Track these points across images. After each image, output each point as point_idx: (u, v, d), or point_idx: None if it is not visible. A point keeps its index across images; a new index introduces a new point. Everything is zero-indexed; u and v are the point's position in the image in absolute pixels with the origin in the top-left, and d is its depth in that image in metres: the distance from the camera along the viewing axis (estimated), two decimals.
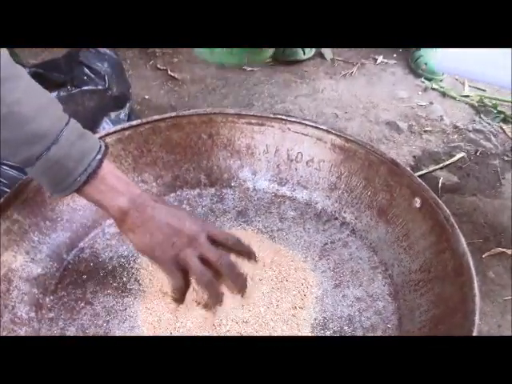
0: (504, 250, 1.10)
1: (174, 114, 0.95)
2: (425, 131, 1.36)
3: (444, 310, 0.70)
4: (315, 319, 0.75)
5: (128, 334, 0.73)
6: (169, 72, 1.64)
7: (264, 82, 1.58)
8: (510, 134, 1.36)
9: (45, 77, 1.06)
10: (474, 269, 0.68)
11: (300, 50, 1.67)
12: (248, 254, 0.77)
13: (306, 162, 0.93)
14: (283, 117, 0.94)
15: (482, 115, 1.44)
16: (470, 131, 1.37)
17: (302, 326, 0.74)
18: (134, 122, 0.94)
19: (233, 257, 0.74)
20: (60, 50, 1.17)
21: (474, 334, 0.62)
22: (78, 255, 0.83)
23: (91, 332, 0.73)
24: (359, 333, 0.74)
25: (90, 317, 0.75)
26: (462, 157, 1.27)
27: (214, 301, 0.73)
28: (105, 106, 1.08)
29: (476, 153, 1.28)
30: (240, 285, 0.74)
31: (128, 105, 1.12)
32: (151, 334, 0.72)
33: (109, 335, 0.73)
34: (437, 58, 1.47)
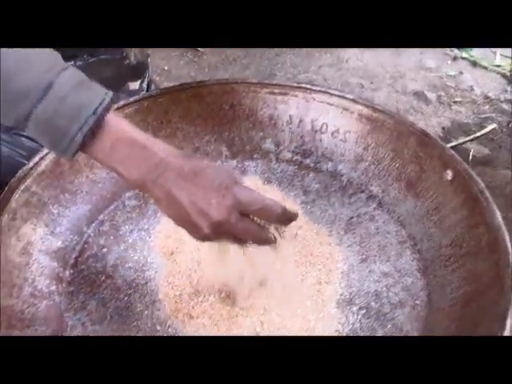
0: None
1: (194, 83, 0.92)
2: (454, 102, 1.31)
3: (477, 286, 0.67)
4: (341, 295, 0.73)
5: (150, 307, 0.72)
6: None
7: (286, 52, 1.54)
8: None
9: None
10: (510, 244, 0.65)
11: None
12: (285, 220, 0.71)
13: (332, 133, 0.90)
14: (307, 86, 0.91)
15: None
16: (501, 101, 1.32)
17: (327, 301, 0.72)
18: (153, 92, 0.92)
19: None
20: None
21: (510, 312, 0.59)
22: (98, 228, 0.82)
23: (112, 306, 0.72)
24: (386, 309, 0.72)
25: (111, 290, 0.74)
26: (494, 128, 1.22)
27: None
28: (122, 76, 1.05)
29: (508, 124, 1.23)
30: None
31: (146, 74, 1.09)
32: (172, 309, 0.71)
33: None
34: None
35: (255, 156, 0.92)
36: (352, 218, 0.83)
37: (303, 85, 0.91)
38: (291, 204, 0.84)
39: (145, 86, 1.09)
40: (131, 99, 0.88)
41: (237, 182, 0.64)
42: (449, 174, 0.77)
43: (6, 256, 0.69)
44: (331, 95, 0.89)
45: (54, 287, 0.73)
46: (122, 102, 0.87)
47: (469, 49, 1.55)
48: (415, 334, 0.69)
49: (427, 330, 0.69)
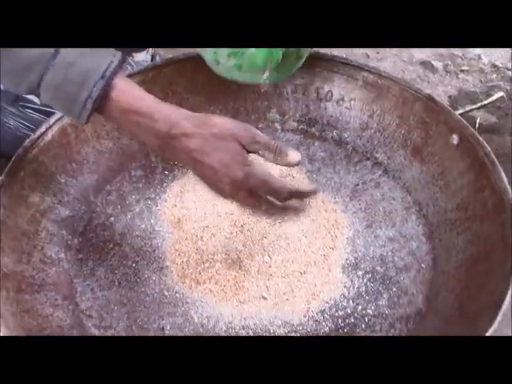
0: None
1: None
2: (461, 71, 1.29)
3: (482, 248, 0.67)
4: (346, 259, 0.74)
5: (157, 273, 0.73)
6: None
7: None
8: None
9: None
10: None
11: None
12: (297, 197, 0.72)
13: (336, 101, 0.90)
14: (311, 53, 0.90)
15: None
16: (509, 70, 1.30)
17: (332, 266, 0.73)
18: (158, 63, 0.92)
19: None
20: None
21: None
22: (106, 198, 0.82)
23: (120, 272, 0.73)
24: (392, 273, 0.72)
25: (119, 258, 0.75)
26: (501, 96, 1.20)
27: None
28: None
29: None
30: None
31: None
32: (179, 275, 0.72)
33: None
34: None
35: (261, 126, 0.92)
36: (357, 185, 0.84)
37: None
38: (297, 173, 0.85)
39: (149, 56, 1.09)
40: (136, 69, 0.88)
41: (245, 165, 0.63)
42: (455, 139, 0.77)
43: (15, 223, 0.70)
44: (336, 62, 0.88)
45: (62, 254, 0.74)
46: (127, 72, 0.87)
47: None
48: (420, 296, 0.70)
49: (432, 292, 0.69)
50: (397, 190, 0.82)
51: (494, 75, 1.29)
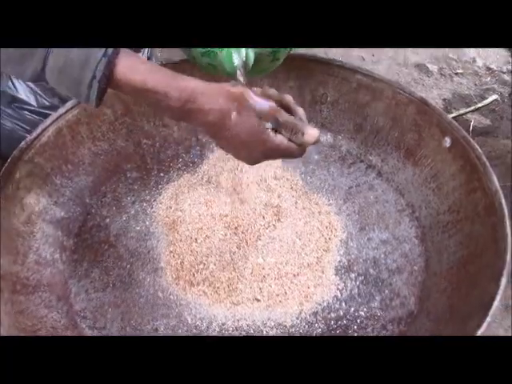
0: None
1: None
2: (456, 74, 1.30)
3: (473, 250, 0.68)
4: (339, 262, 0.74)
5: (151, 275, 0.73)
6: None
7: None
8: None
9: None
10: (506, 207, 0.66)
11: None
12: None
13: (331, 103, 0.90)
14: (306, 56, 0.90)
15: None
16: (503, 73, 1.30)
17: (325, 268, 0.73)
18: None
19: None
20: None
21: (505, 274, 0.60)
22: (101, 199, 0.83)
23: (114, 273, 0.73)
24: (384, 275, 0.73)
25: (114, 259, 0.75)
26: (495, 99, 1.21)
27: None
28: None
29: (510, 95, 1.22)
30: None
31: None
32: (174, 276, 0.73)
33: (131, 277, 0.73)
34: None
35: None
36: (351, 187, 0.84)
37: (302, 55, 0.91)
38: (291, 175, 0.85)
39: (145, 57, 1.09)
40: None
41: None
42: (447, 141, 0.78)
43: (10, 224, 0.71)
44: (330, 65, 0.89)
45: (58, 255, 0.74)
46: None
47: None
48: (412, 298, 0.70)
49: (424, 294, 0.70)
50: (390, 192, 0.83)
51: (489, 78, 1.29)
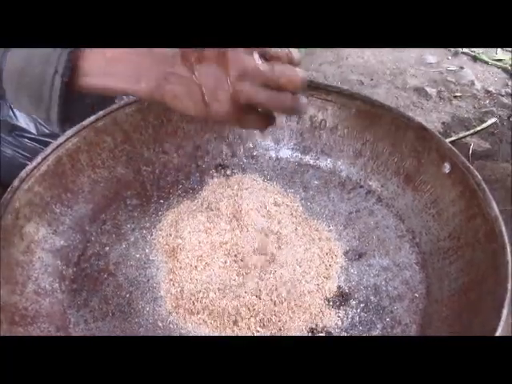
0: None
1: None
2: (455, 97, 1.32)
3: (474, 277, 0.67)
4: (340, 289, 0.74)
5: (151, 304, 0.73)
6: None
7: None
8: None
9: None
10: (506, 235, 0.65)
11: None
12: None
13: (330, 129, 0.90)
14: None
15: None
16: (502, 95, 1.32)
17: (326, 295, 0.73)
18: None
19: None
20: None
21: (507, 301, 0.59)
22: (101, 227, 0.83)
23: (114, 303, 0.73)
24: (385, 302, 0.72)
25: (113, 288, 0.75)
26: (494, 122, 1.22)
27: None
28: None
29: (509, 118, 1.23)
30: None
31: None
32: (173, 305, 0.72)
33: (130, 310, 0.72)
34: None
35: (255, 153, 0.93)
36: (351, 213, 0.84)
37: None
38: (292, 201, 0.85)
39: None
40: (132, 98, 0.89)
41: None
42: (446, 167, 0.78)
43: (9, 254, 0.70)
44: (329, 92, 0.90)
45: (57, 285, 0.74)
46: (122, 102, 0.88)
47: None
48: (414, 326, 0.70)
49: (425, 321, 0.69)
50: (390, 217, 0.83)
51: (488, 101, 1.31)
